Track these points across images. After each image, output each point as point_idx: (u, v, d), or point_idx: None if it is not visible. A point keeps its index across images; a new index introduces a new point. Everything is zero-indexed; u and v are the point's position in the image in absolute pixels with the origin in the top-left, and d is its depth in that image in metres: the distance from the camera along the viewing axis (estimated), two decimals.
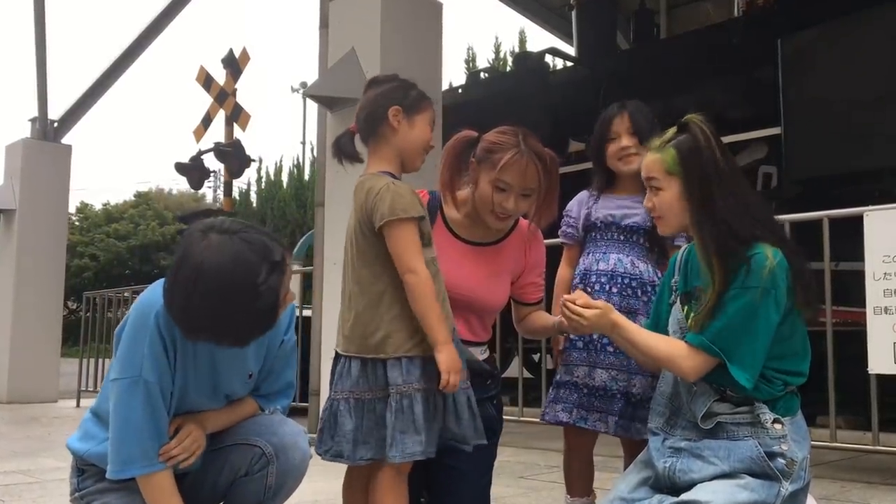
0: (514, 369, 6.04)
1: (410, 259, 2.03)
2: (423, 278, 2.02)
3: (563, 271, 2.77)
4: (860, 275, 3.79)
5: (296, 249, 13.53)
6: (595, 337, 2.52)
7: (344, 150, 2.22)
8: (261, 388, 2.15)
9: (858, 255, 3.84)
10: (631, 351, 2.16)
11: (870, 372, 3.69)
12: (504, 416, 2.56)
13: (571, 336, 2.54)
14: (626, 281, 2.54)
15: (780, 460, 1.93)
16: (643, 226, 2.55)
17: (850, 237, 3.93)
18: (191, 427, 1.95)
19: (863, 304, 3.75)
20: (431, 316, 2.01)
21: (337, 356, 2.16)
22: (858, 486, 3.73)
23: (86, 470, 2.02)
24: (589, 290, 2.45)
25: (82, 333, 9.03)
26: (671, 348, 2.02)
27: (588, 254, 2.64)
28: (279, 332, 2.09)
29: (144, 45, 9.80)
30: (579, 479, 2.64)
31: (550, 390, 2.63)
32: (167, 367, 1.90)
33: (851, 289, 4.46)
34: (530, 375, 8.07)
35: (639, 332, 2.08)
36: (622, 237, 2.59)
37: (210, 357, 1.96)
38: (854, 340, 4.11)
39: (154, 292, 1.94)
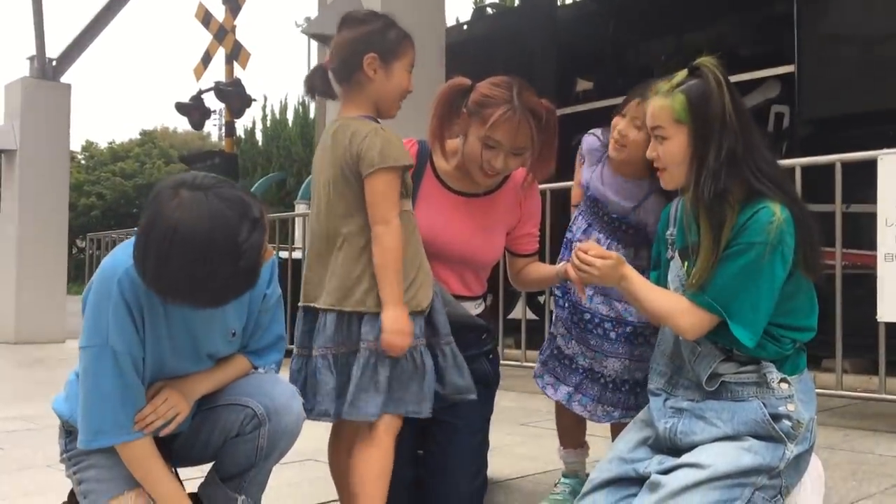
0: (518, 311, 5.99)
1: (388, 210, 1.96)
2: (394, 231, 1.95)
3: (576, 190, 2.57)
4: (870, 217, 3.70)
5: (301, 191, 13.46)
6: (570, 303, 2.44)
7: (317, 87, 2.12)
8: (249, 344, 2.09)
9: (869, 197, 3.73)
10: (635, 305, 2.10)
11: (879, 320, 3.62)
12: (507, 361, 2.51)
13: (557, 293, 2.47)
14: None
15: (786, 422, 1.87)
16: (628, 221, 2.37)
17: (861, 178, 3.82)
18: (167, 392, 1.89)
19: (871, 246, 3.66)
20: (389, 272, 1.94)
21: (306, 311, 2.10)
22: (863, 434, 3.69)
23: (72, 431, 1.98)
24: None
25: (86, 274, 9.04)
26: (671, 304, 1.94)
27: (579, 215, 2.50)
28: (261, 286, 2.02)
29: None
30: (570, 430, 2.60)
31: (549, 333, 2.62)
32: (135, 334, 1.83)
33: (861, 231, 4.37)
34: (534, 317, 8.03)
35: (643, 287, 2.00)
36: (607, 219, 2.42)
37: (183, 319, 1.89)
38: (862, 284, 4.03)
39: (116, 257, 1.85)
